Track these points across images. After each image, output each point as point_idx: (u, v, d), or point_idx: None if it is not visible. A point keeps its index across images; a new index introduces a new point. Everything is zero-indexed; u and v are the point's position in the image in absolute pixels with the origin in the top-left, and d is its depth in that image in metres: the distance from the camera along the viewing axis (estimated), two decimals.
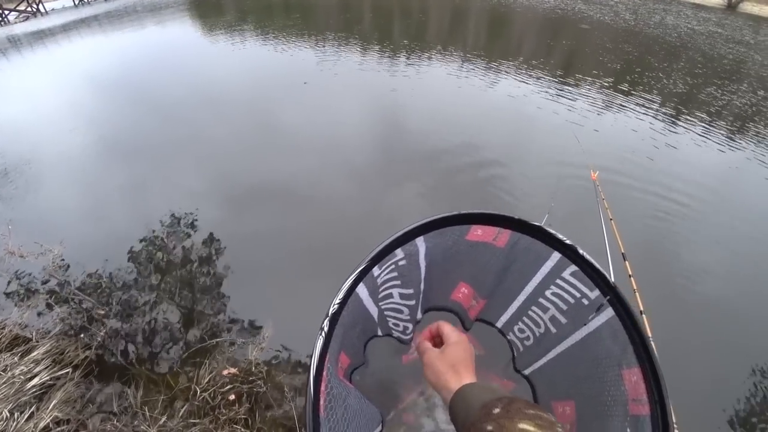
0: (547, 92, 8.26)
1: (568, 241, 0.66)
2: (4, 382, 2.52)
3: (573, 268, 0.66)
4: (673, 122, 7.46)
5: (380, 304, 0.74)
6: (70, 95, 7.92)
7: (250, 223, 4.19)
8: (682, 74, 10.91)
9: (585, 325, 0.65)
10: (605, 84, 9.21)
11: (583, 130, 6.33)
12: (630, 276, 2.05)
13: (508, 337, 0.77)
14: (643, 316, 1.75)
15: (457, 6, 21.62)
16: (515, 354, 0.75)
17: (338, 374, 0.63)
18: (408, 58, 10.35)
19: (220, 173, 5.09)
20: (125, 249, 3.84)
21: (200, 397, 2.50)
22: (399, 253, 0.68)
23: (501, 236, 0.67)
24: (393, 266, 0.70)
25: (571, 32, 16.35)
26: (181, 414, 2.44)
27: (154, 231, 4.06)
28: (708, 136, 6.99)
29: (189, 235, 4.04)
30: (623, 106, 8.00)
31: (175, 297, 3.41)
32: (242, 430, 2.38)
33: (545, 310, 0.70)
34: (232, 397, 2.53)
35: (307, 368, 2.51)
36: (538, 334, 0.72)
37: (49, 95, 7.98)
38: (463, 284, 0.77)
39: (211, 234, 4.04)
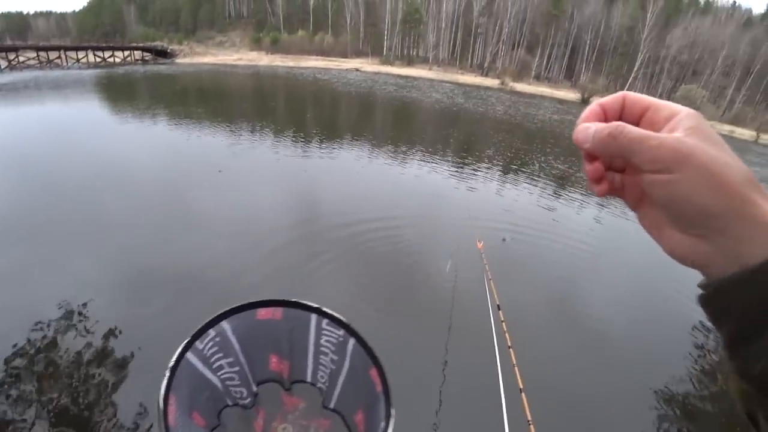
0: (443, 171, 9.73)
1: (314, 305, 0.90)
2: None
3: (325, 320, 0.91)
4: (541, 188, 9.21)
5: (217, 374, 0.89)
6: None
7: (149, 314, 4.12)
8: (545, 153, 13.56)
9: (346, 352, 0.93)
10: (492, 164, 11.12)
11: (473, 200, 7.56)
12: (502, 321, 2.73)
13: (318, 386, 0.96)
14: (510, 349, 2.38)
15: (364, 99, 24.37)
16: (323, 396, 0.94)
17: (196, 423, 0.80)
18: (320, 145, 11.43)
19: (119, 255, 4.99)
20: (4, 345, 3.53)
21: None
22: (211, 332, 0.87)
23: (276, 312, 0.91)
24: (211, 342, 0.87)
25: (457, 122, 19.41)
26: None
27: (40, 324, 3.77)
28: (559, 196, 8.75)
29: (83, 329, 3.83)
30: (506, 180, 9.70)
31: (67, 404, 3.19)
32: None
33: (326, 354, 0.95)
34: None
35: None
36: (329, 372, 0.94)
37: None
38: (272, 355, 0.95)
39: (112, 329, 3.88)
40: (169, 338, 3.82)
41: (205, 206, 6.68)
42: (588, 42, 64.84)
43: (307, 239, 6.00)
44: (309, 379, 0.92)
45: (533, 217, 7.41)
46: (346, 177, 8.92)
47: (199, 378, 0.80)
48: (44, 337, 3.71)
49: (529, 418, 1.90)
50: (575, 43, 66.26)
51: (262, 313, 0.87)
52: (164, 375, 0.66)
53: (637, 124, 0.33)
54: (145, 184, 7.41)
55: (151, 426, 3.08)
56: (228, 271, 4.86)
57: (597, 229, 7.57)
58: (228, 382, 0.86)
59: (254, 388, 0.89)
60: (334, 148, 11.22)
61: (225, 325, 0.84)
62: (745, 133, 45.15)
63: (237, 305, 0.82)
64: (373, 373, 0.78)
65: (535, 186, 9.50)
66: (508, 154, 12.80)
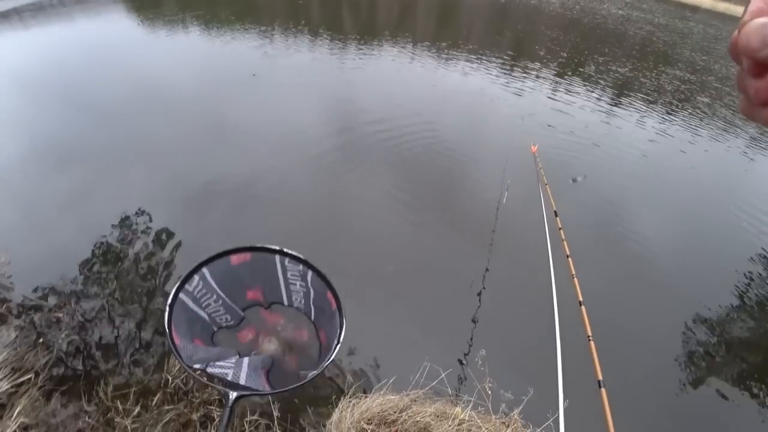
0: (495, 75, 8.65)
1: (276, 247, 1.22)
2: None
3: (287, 258, 1.22)
4: (610, 104, 8.06)
5: (205, 309, 1.22)
6: None
7: (205, 225, 4.16)
8: (604, 54, 11.70)
9: (308, 281, 1.23)
10: (550, 69, 9.75)
11: (526, 109, 6.73)
12: (560, 228, 2.34)
13: (295, 306, 1.30)
14: (569, 258, 2.03)
15: None
16: (305, 311, 1.31)
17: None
18: (358, 43, 10.39)
19: (170, 174, 4.95)
20: (75, 254, 3.72)
21: (173, 384, 2.56)
22: (195, 277, 1.18)
23: (246, 257, 1.22)
24: (198, 285, 1.18)
25: (517, 17, 16.94)
26: (154, 402, 2.50)
27: (104, 236, 3.94)
28: (641, 117, 7.64)
29: (141, 239, 3.95)
30: (566, 89, 8.52)
31: (134, 296, 3.39)
32: (217, 409, 2.47)
33: (294, 283, 1.24)
34: (203, 379, 2.60)
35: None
36: (302, 294, 1.27)
37: None
38: (248, 290, 1.27)
39: (166, 233, 3.97)
40: (210, 249, 3.94)
41: (241, 114, 6.34)
42: None
43: (346, 145, 5.63)
44: (285, 302, 1.30)
45: (591, 127, 6.53)
46: (387, 77, 8.12)
47: (192, 312, 1.15)
48: (109, 245, 3.86)
49: (590, 333, 1.61)
50: None
51: (234, 258, 1.21)
52: (164, 311, 1.04)
53: None
54: (182, 96, 7.06)
55: None
56: (268, 181, 4.71)
57: (660, 140, 6.63)
58: (214, 314, 1.22)
59: (240, 313, 1.26)
60: (373, 47, 10.16)
61: (205, 270, 1.19)
62: None
63: (213, 255, 1.18)
64: (329, 295, 1.16)
65: (592, 91, 8.31)
66: (564, 54, 11.15)
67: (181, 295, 1.13)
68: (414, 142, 5.53)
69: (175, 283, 1.10)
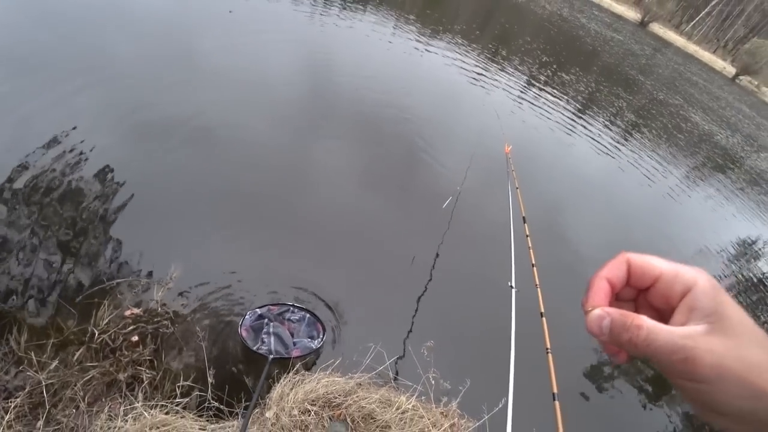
0: (476, 66, 8.61)
1: (290, 303, 2.79)
2: None
3: (297, 309, 2.78)
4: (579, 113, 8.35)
5: (254, 323, 2.63)
6: None
7: (155, 159, 3.78)
8: (594, 75, 12.14)
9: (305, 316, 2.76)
10: (531, 70, 9.88)
11: (503, 108, 6.78)
12: (527, 236, 2.37)
13: (296, 318, 2.75)
14: (534, 268, 2.06)
15: None
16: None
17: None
18: (344, 6, 9.86)
19: (122, 98, 4.39)
20: None
21: (99, 340, 2.34)
22: (257, 310, 2.68)
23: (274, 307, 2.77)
24: (252, 313, 2.66)
25: (495, 11, 16.91)
26: (76, 357, 2.27)
27: (32, 156, 3.40)
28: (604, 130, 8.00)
29: (79, 167, 3.48)
30: (542, 91, 8.69)
31: (62, 236, 3.03)
32: (147, 371, 2.30)
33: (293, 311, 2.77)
34: (135, 338, 2.41)
35: (216, 310, 2.50)
36: (299, 314, 2.78)
37: None
38: (272, 306, 2.79)
39: (107, 166, 3.54)
40: (156, 189, 3.58)
41: (210, 50, 5.78)
42: None
43: (313, 106, 5.34)
44: (290, 317, 2.77)
45: (565, 129, 6.74)
46: (367, 43, 7.79)
47: (249, 323, 2.62)
48: (40, 166, 3.35)
49: (548, 345, 1.64)
50: None
51: (271, 306, 2.76)
52: (240, 322, 2.61)
53: (645, 292, 0.34)
54: (149, 18, 6.26)
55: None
56: (227, 126, 4.33)
57: (624, 148, 7.04)
58: (255, 325, 2.64)
59: (266, 320, 2.67)
60: (358, 11, 9.67)
61: (257, 309, 2.69)
62: None
63: (264, 304, 2.78)
64: (318, 326, 2.72)
65: (566, 100, 8.58)
66: (545, 59, 11.38)
67: (247, 316, 2.60)
68: (384, 120, 5.38)
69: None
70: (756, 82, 40.64)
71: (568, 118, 7.95)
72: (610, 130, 8.45)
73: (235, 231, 3.30)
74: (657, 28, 44.76)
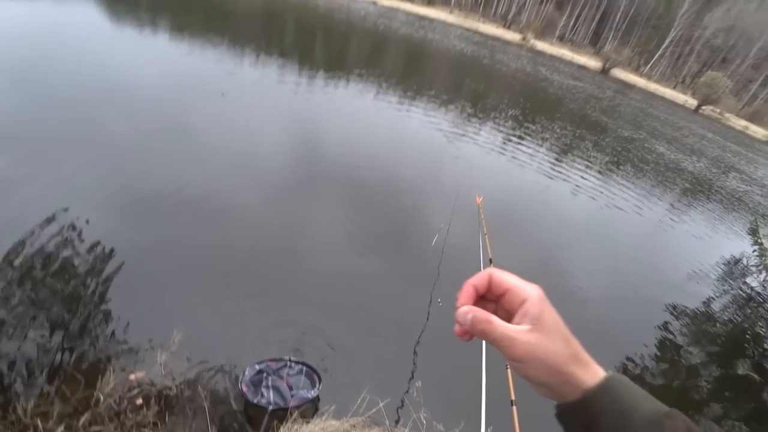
0: (451, 125, 9.32)
1: (287, 357, 2.97)
2: None
3: (295, 363, 2.95)
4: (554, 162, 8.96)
5: (253, 378, 2.79)
6: None
7: (153, 231, 4.04)
8: (558, 121, 13.06)
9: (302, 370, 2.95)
10: (499, 123, 10.68)
11: (477, 160, 7.32)
12: None
13: (294, 372, 2.95)
14: None
15: (377, 34, 22.77)
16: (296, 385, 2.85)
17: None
18: (327, 77, 10.75)
19: (118, 175, 4.73)
20: None
21: (104, 404, 2.47)
22: (255, 366, 2.85)
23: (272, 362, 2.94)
24: (251, 369, 2.82)
25: (469, 72, 18.36)
26: (81, 422, 2.39)
27: (31, 234, 3.63)
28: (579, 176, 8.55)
29: (77, 243, 3.71)
30: (515, 145, 9.37)
31: (66, 307, 3.21)
32: None
33: (291, 366, 2.95)
34: (139, 401, 2.54)
35: (217, 369, 2.72)
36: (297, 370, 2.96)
37: None
38: (271, 362, 2.95)
39: (106, 242, 3.75)
40: (153, 260, 3.75)
41: (204, 130, 6.28)
42: (621, 8, 60.26)
43: (302, 172, 5.77)
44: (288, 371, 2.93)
45: (533, 179, 7.23)
46: (350, 113, 8.47)
47: (249, 379, 2.76)
48: (38, 245, 3.58)
49: (513, 397, 1.82)
50: (607, 7, 61.62)
51: (269, 362, 2.91)
52: (241, 377, 2.79)
53: (501, 298, 0.47)
54: (144, 100, 6.84)
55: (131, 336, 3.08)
56: (220, 195, 4.67)
57: (594, 201, 7.49)
58: (255, 379, 2.80)
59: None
60: (341, 82, 10.56)
61: (256, 365, 2.86)
62: (758, 132, 44.15)
63: (263, 360, 2.92)
64: (314, 376, 2.88)
65: (539, 150, 9.22)
66: (511, 112, 12.29)
67: (247, 371, 2.78)
68: (368, 180, 5.80)
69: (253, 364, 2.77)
70: (718, 110, 43.25)
71: (537, 162, 8.53)
72: (578, 169, 9.03)
73: (232, 293, 3.51)
74: (618, 72, 48.29)
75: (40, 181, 4.39)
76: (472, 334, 0.44)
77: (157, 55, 9.66)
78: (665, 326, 4.75)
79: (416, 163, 6.79)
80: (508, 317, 0.45)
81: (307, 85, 9.79)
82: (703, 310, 5.43)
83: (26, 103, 5.76)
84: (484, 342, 2.35)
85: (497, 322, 0.43)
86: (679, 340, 4.62)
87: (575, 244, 5.83)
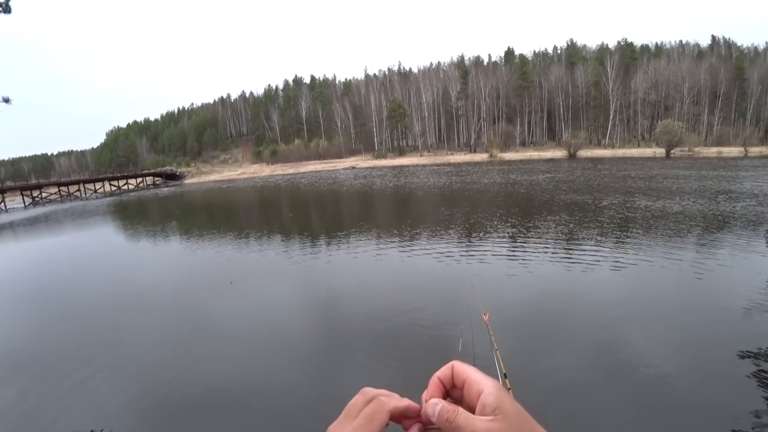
0: (446, 250, 10.13)
1: None
2: None
3: None
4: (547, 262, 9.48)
5: None
6: None
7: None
8: (533, 215, 13.93)
9: None
10: (491, 237, 11.56)
11: (477, 278, 7.77)
12: (509, 389, 2.91)
13: None
14: None
15: (363, 193, 25.63)
16: None
17: None
18: (328, 243, 11.96)
19: (145, 384, 5.05)
20: None
21: None
22: None
23: None
24: None
25: (453, 200, 20.25)
26: None
27: None
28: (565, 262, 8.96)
29: None
30: (511, 256, 10.04)
31: None
32: None
33: None
34: None
35: None
36: None
37: None
38: None
39: None
40: None
41: (221, 319, 6.91)
42: (561, 103, 69.66)
43: (325, 335, 6.18)
44: None
45: (536, 286, 7.56)
46: (356, 270, 9.21)
47: None
48: None
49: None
50: (549, 106, 71.21)
51: None
52: None
53: (462, 388, 0.49)
54: (161, 301, 7.75)
55: None
56: (251, 382, 4.99)
57: (585, 261, 7.64)
58: None
59: None
60: (342, 245, 11.68)
61: None
62: (733, 151, 46.29)
63: None
64: None
65: (537, 253, 9.73)
66: (506, 223, 13.27)
67: None
68: (387, 325, 6.16)
69: None
70: (686, 148, 45.95)
71: (526, 261, 9.00)
72: (566, 252, 9.42)
73: None
74: (584, 152, 53.14)
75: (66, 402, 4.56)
76: (439, 425, 0.45)
77: (169, 258, 10.91)
78: (758, 375, 4.43)
79: (422, 297, 7.16)
80: (472, 409, 0.46)
81: (311, 252, 10.83)
82: None
83: (60, 322, 6.50)
84: None
85: (462, 412, 0.44)
86: None
87: (607, 332, 5.70)
